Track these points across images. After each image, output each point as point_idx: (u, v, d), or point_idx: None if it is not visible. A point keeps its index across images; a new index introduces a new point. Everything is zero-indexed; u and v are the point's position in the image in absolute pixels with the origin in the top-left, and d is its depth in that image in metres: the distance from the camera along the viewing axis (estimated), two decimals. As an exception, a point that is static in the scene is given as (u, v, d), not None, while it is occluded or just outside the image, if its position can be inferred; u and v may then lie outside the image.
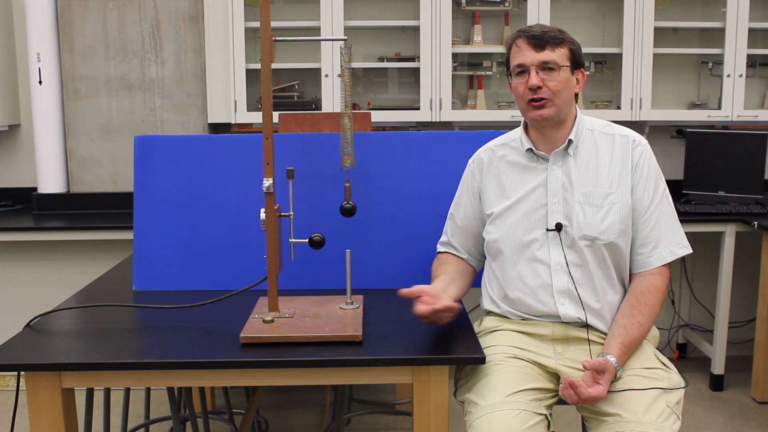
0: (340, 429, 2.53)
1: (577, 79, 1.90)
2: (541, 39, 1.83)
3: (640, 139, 1.93)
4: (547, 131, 1.91)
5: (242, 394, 3.48)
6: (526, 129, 1.98)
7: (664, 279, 1.90)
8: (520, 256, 1.92)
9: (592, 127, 1.95)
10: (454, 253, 2.10)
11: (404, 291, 1.78)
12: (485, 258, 2.09)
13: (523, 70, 1.85)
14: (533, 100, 1.85)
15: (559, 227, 1.88)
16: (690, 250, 1.92)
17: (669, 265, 1.91)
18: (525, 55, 1.85)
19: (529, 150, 1.94)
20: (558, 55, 1.84)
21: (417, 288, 1.77)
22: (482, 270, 2.11)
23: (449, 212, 2.12)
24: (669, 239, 1.89)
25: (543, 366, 1.88)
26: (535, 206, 1.91)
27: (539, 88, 1.83)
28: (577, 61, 1.88)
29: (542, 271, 1.89)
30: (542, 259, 1.90)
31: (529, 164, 1.95)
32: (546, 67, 1.83)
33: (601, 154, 1.91)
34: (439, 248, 2.14)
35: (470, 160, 2.08)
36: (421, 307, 1.74)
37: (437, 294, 1.79)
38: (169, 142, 2.28)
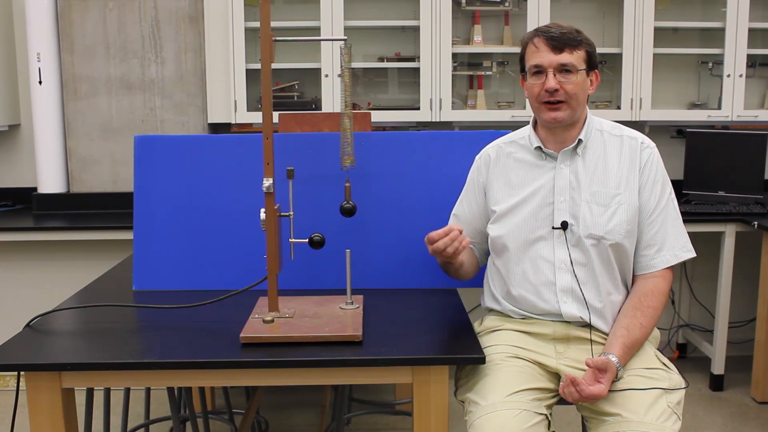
0: (340, 429, 2.53)
1: (591, 80, 1.90)
2: (559, 41, 1.83)
3: (648, 142, 1.94)
4: (558, 131, 1.92)
5: (242, 394, 3.48)
6: (535, 127, 1.98)
7: (667, 282, 1.90)
8: (525, 254, 1.92)
9: (601, 127, 1.95)
10: None
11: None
12: (487, 255, 2.09)
13: (540, 70, 1.85)
14: (548, 102, 1.85)
15: (564, 226, 1.88)
16: (693, 254, 1.92)
17: (672, 267, 1.91)
18: (543, 56, 1.84)
19: (538, 148, 1.94)
20: (576, 58, 1.84)
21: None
22: (484, 268, 2.11)
23: (452, 213, 2.11)
24: (673, 242, 1.90)
25: (544, 366, 1.88)
26: (541, 204, 1.91)
27: (556, 90, 1.83)
28: (592, 63, 1.88)
29: (546, 269, 1.90)
30: (547, 257, 1.90)
31: (537, 162, 1.95)
32: (563, 69, 1.83)
33: (610, 154, 1.91)
34: None
35: (477, 156, 2.08)
36: (433, 233, 1.83)
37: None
38: (169, 142, 2.28)
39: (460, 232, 1.84)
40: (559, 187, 1.91)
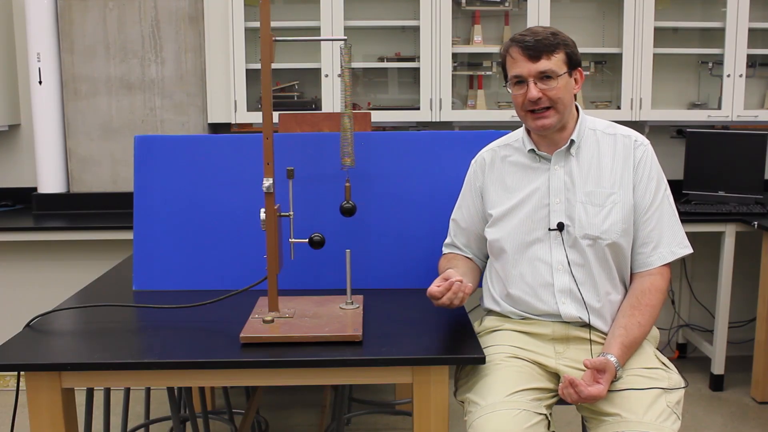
0: (340, 429, 2.53)
1: (575, 79, 1.89)
2: (535, 49, 1.81)
3: (642, 139, 1.93)
4: (550, 134, 1.91)
5: (242, 394, 3.48)
6: (528, 130, 1.98)
7: (665, 279, 1.90)
8: (522, 256, 1.92)
9: (594, 127, 1.95)
10: (459, 253, 2.10)
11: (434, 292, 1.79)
12: (485, 260, 2.10)
13: (521, 80, 1.85)
14: (534, 110, 1.85)
15: (560, 227, 1.88)
16: (690, 250, 1.92)
17: (669, 265, 1.91)
18: (521, 66, 1.83)
19: (531, 150, 1.94)
20: (554, 63, 1.82)
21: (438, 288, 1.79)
22: (484, 269, 2.11)
23: (451, 217, 2.11)
24: (670, 239, 1.89)
25: (543, 366, 1.88)
26: (537, 206, 1.91)
27: (539, 99, 1.83)
28: (573, 63, 1.87)
29: (544, 271, 1.89)
30: (544, 258, 1.90)
31: (532, 164, 1.95)
32: (543, 76, 1.83)
33: (603, 153, 1.91)
34: (444, 250, 2.14)
35: (473, 161, 2.08)
36: (434, 288, 1.77)
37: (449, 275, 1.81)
38: (169, 142, 2.28)
39: (461, 282, 1.78)
40: (554, 188, 1.91)
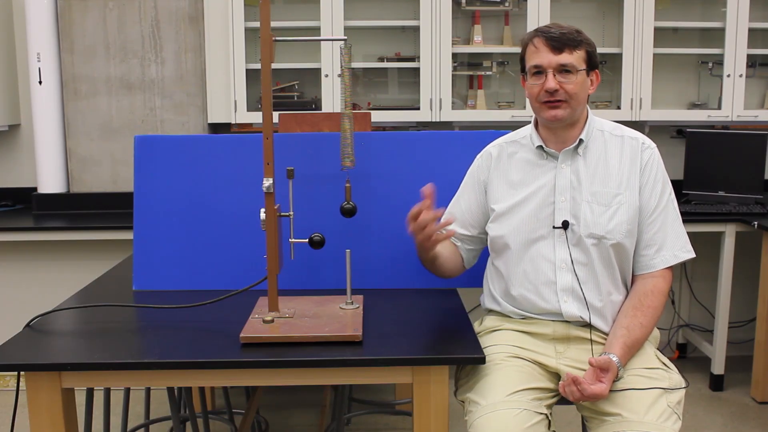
0: (340, 429, 2.53)
1: (591, 80, 1.90)
2: (559, 41, 1.83)
3: (649, 143, 1.94)
4: (559, 131, 1.92)
5: (242, 394, 3.48)
6: (536, 126, 1.98)
7: (667, 282, 1.90)
8: (526, 253, 1.92)
9: (602, 128, 1.95)
10: None
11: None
12: (475, 257, 2.09)
13: (540, 71, 1.85)
14: (548, 101, 1.85)
15: (565, 225, 1.88)
16: (693, 255, 1.92)
17: (672, 267, 1.91)
18: (542, 56, 1.84)
19: (540, 147, 1.94)
20: (575, 58, 1.84)
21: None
22: (483, 268, 2.11)
23: (446, 211, 2.10)
24: (673, 242, 1.90)
25: (544, 365, 1.88)
26: (542, 204, 1.91)
27: (556, 90, 1.83)
28: (592, 63, 1.88)
29: (547, 269, 1.90)
30: (547, 256, 1.90)
31: (539, 161, 1.95)
32: (563, 69, 1.83)
33: (611, 155, 1.91)
34: None
35: (479, 155, 2.08)
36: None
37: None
38: (169, 142, 2.28)
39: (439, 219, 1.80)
40: (560, 186, 1.91)
